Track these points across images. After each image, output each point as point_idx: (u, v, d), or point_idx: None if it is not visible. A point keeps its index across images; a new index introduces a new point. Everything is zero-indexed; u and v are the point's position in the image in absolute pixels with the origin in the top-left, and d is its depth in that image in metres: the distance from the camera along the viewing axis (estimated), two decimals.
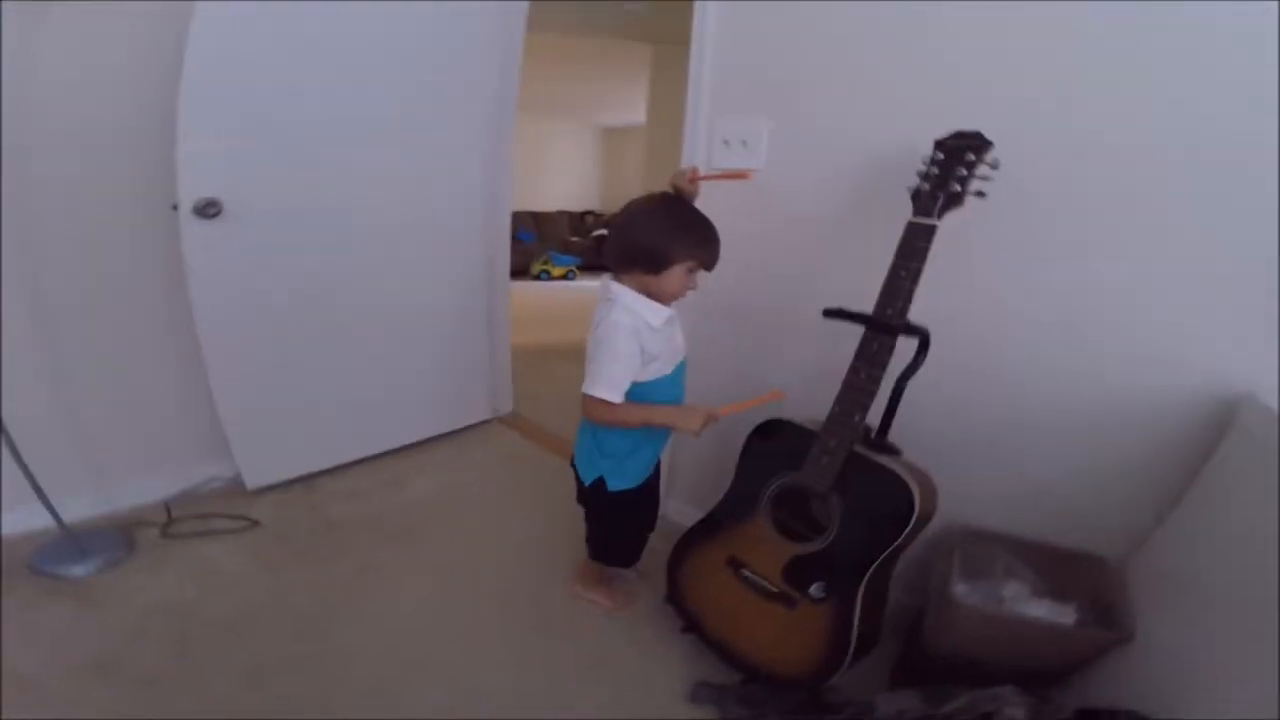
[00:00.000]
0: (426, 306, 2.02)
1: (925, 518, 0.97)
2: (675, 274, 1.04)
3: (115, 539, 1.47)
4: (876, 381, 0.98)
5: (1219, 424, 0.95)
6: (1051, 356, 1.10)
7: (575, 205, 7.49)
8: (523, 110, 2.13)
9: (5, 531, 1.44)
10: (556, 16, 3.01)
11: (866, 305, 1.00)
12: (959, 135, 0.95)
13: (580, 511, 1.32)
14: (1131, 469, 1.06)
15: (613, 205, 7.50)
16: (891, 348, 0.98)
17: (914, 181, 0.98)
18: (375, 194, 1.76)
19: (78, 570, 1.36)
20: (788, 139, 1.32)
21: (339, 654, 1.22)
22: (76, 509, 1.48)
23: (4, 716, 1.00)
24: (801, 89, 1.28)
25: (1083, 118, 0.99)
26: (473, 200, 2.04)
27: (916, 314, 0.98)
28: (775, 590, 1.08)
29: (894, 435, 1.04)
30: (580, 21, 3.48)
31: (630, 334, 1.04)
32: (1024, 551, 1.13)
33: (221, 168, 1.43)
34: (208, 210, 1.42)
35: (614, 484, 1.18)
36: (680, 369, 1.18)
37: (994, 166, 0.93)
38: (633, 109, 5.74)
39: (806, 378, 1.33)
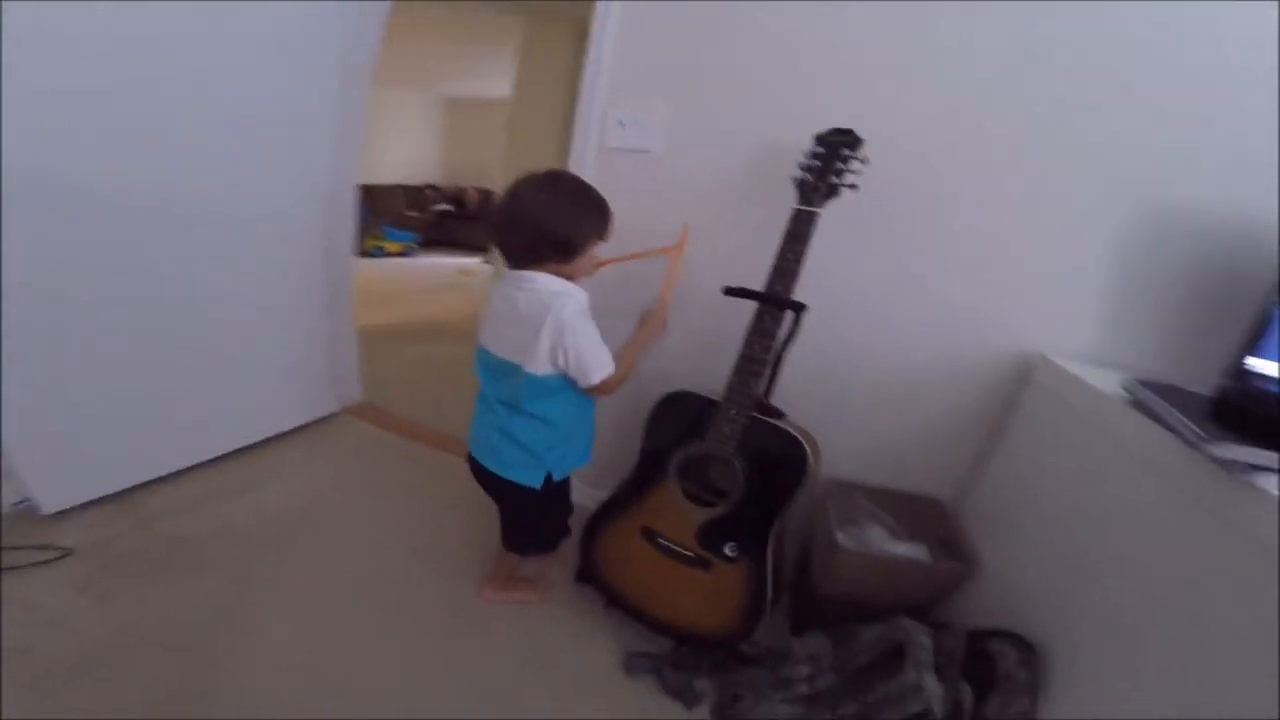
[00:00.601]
0: (257, 292, 1.74)
1: (816, 472, 1.08)
2: (586, 257, 1.06)
3: None
4: (769, 351, 1.07)
5: (1019, 378, 1.22)
6: (894, 322, 1.29)
7: (413, 179, 6.91)
8: None
9: None
10: None
11: (755, 283, 1.08)
12: (836, 131, 1.07)
13: (470, 502, 1.26)
14: (954, 417, 1.30)
15: (456, 179, 7.05)
16: (780, 321, 1.07)
17: (799, 173, 1.08)
18: (198, 170, 1.46)
19: None
20: (685, 124, 1.34)
21: (234, 685, 1.06)
22: None
23: None
24: (703, 76, 1.30)
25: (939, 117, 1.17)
26: (313, 174, 1.79)
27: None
28: (692, 555, 1.14)
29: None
30: None
31: (586, 314, 1.06)
32: (877, 497, 1.32)
33: None
34: None
35: (561, 472, 1.17)
36: None
37: (864, 161, 1.07)
38: (486, 80, 5.45)
39: (696, 350, 1.41)
